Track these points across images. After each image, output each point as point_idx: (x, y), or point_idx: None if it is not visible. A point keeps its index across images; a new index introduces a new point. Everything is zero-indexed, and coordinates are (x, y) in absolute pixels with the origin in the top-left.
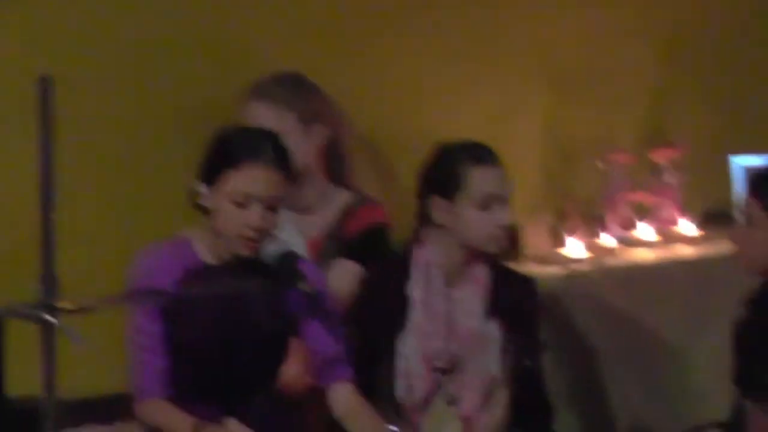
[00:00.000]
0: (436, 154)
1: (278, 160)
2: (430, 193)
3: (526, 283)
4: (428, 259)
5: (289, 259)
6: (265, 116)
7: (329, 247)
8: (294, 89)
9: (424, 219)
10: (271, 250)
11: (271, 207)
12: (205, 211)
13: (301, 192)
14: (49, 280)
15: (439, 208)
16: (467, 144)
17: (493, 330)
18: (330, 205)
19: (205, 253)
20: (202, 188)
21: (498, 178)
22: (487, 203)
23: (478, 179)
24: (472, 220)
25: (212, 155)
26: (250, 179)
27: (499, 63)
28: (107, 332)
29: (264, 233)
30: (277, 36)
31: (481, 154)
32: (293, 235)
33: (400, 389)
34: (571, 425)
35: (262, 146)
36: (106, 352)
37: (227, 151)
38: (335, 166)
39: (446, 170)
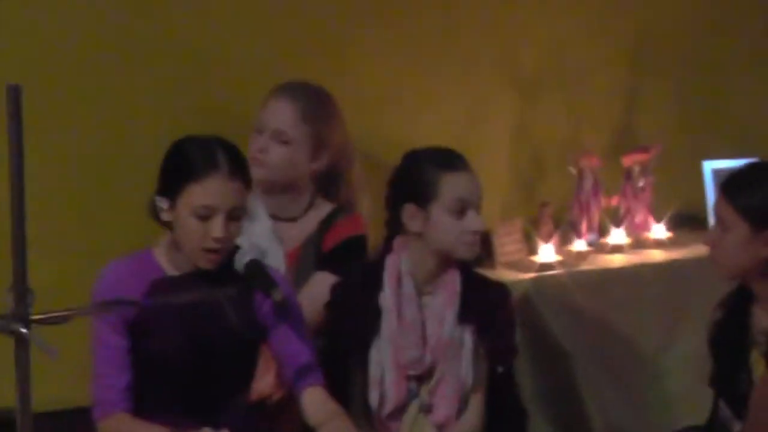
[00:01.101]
0: (407, 161)
1: (237, 169)
2: (403, 201)
3: (498, 288)
4: (400, 268)
5: (258, 266)
6: (283, 117)
7: (307, 257)
8: (320, 109)
9: (395, 227)
10: (241, 257)
11: (233, 217)
12: (166, 224)
13: (288, 202)
14: (21, 291)
15: (412, 216)
16: (437, 150)
17: (466, 336)
18: (312, 216)
19: (168, 266)
20: (163, 203)
21: (470, 183)
22: (459, 209)
23: (450, 185)
24: (445, 227)
25: (170, 169)
26: (211, 191)
27: (468, 68)
28: (79, 344)
29: (226, 244)
30: (246, 44)
31: (451, 159)
32: (272, 245)
33: (374, 398)
34: (545, 431)
35: (220, 157)
36: (79, 364)
37: (185, 164)
38: (329, 185)
39: (418, 177)
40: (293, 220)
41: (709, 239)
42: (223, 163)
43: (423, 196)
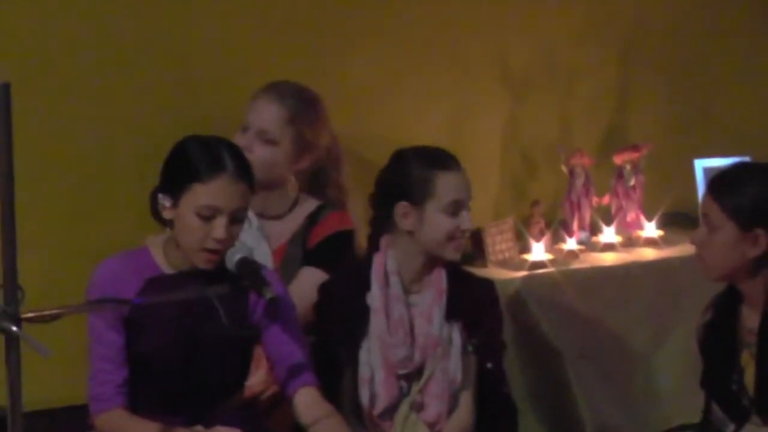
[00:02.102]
0: (398, 160)
1: (242, 172)
2: (396, 200)
3: (485, 285)
4: (387, 267)
5: (250, 264)
6: (269, 117)
7: (294, 254)
8: (307, 111)
9: (381, 225)
10: (231, 256)
11: (235, 219)
12: (166, 222)
13: (273, 200)
14: (12, 289)
15: (405, 214)
16: (429, 149)
17: (454, 333)
18: (298, 213)
19: (164, 263)
20: (166, 201)
21: (463, 183)
22: (454, 209)
23: (446, 185)
24: (438, 226)
25: (175, 168)
26: (216, 192)
27: (459, 67)
28: (70, 342)
29: (227, 245)
30: (233, 43)
31: (446, 159)
32: (258, 242)
33: (364, 397)
34: (536, 428)
35: (226, 158)
36: (70, 363)
37: (191, 164)
38: (315, 185)
39: (412, 175)
40: (278, 217)
41: (697, 239)
42: (229, 165)
43: (417, 195)
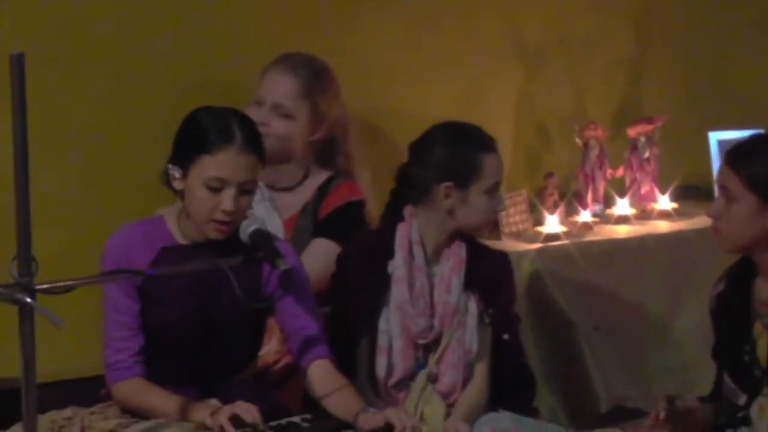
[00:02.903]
0: (442, 138)
1: (251, 143)
2: (441, 180)
3: (500, 257)
4: (411, 237)
5: (264, 237)
6: (284, 91)
7: (305, 225)
8: (320, 82)
9: (407, 196)
10: (245, 228)
11: (244, 190)
12: (178, 193)
13: (285, 173)
14: (26, 261)
15: (448, 195)
16: (473, 129)
17: (471, 304)
18: (308, 184)
19: (178, 234)
20: (176, 171)
21: (501, 164)
22: (495, 189)
23: (490, 167)
24: (481, 207)
25: (185, 139)
26: (223, 164)
27: (472, 40)
28: (83, 314)
29: (236, 217)
30: (252, 16)
31: (490, 140)
32: (270, 214)
33: (381, 367)
34: (550, 401)
35: (235, 130)
36: (85, 334)
37: (200, 135)
38: (326, 154)
39: (463, 158)
40: (289, 189)
41: (713, 211)
42: (237, 137)
43: (464, 177)
